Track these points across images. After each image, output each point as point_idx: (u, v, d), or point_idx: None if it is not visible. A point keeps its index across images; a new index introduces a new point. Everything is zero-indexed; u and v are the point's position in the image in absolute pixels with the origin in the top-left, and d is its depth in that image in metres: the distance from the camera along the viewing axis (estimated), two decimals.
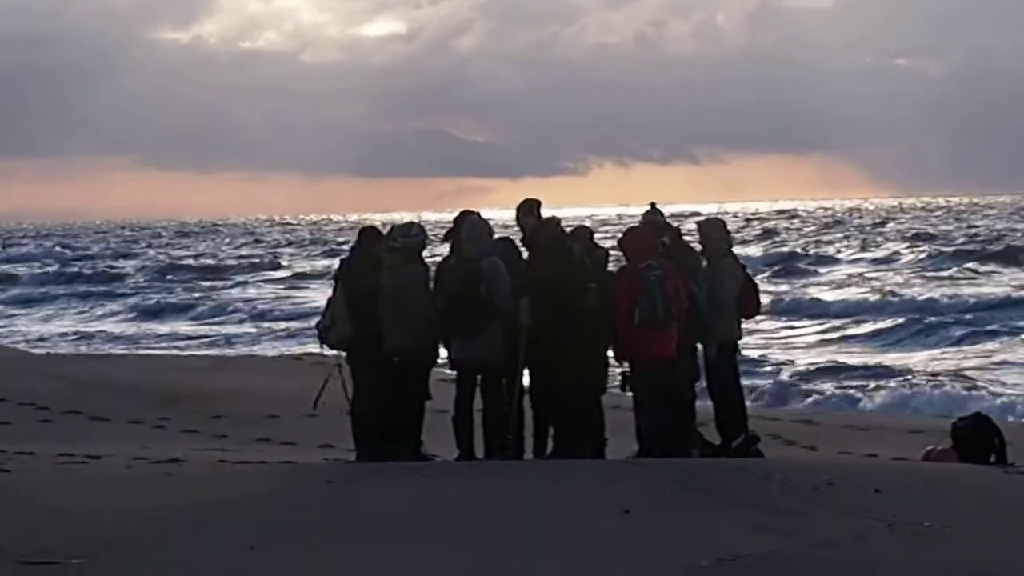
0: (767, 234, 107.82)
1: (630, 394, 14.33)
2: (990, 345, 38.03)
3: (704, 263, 14.89)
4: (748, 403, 16.25)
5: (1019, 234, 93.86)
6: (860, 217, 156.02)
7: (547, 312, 13.92)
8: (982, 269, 65.64)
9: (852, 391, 29.18)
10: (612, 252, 15.16)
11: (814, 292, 55.53)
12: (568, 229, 14.83)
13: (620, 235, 14.88)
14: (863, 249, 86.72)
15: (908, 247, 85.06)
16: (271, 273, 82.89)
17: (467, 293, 14.05)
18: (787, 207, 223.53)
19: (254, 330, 50.03)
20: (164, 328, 52.03)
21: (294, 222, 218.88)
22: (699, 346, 14.74)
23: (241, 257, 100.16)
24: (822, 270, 70.40)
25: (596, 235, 15.28)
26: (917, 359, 36.37)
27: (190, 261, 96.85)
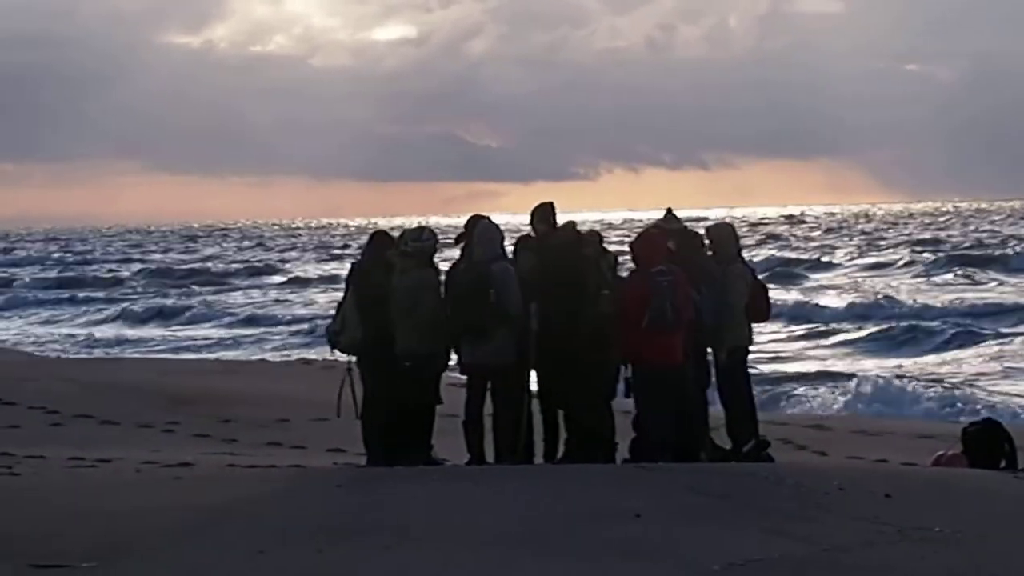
0: (769, 239, 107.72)
1: (630, 399, 14.31)
2: (972, 351, 37.74)
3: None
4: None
5: (1013, 240, 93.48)
6: (868, 221, 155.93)
7: (559, 316, 13.93)
8: (978, 275, 65.35)
9: (822, 395, 28.95)
10: (620, 256, 15.14)
11: (805, 297, 55.41)
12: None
13: (632, 239, 14.86)
14: (861, 255, 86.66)
15: (908, 252, 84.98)
16: (268, 278, 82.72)
17: (477, 297, 14.05)
18: (794, 212, 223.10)
19: (238, 334, 49.69)
20: (148, 333, 51.64)
21: (300, 227, 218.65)
22: (709, 351, 14.74)
23: (240, 262, 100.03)
24: (816, 275, 70.29)
25: (603, 240, 15.26)
26: (893, 364, 36.14)
27: (188, 266, 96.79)
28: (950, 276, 66.10)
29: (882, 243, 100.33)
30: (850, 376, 31.50)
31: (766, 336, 41.00)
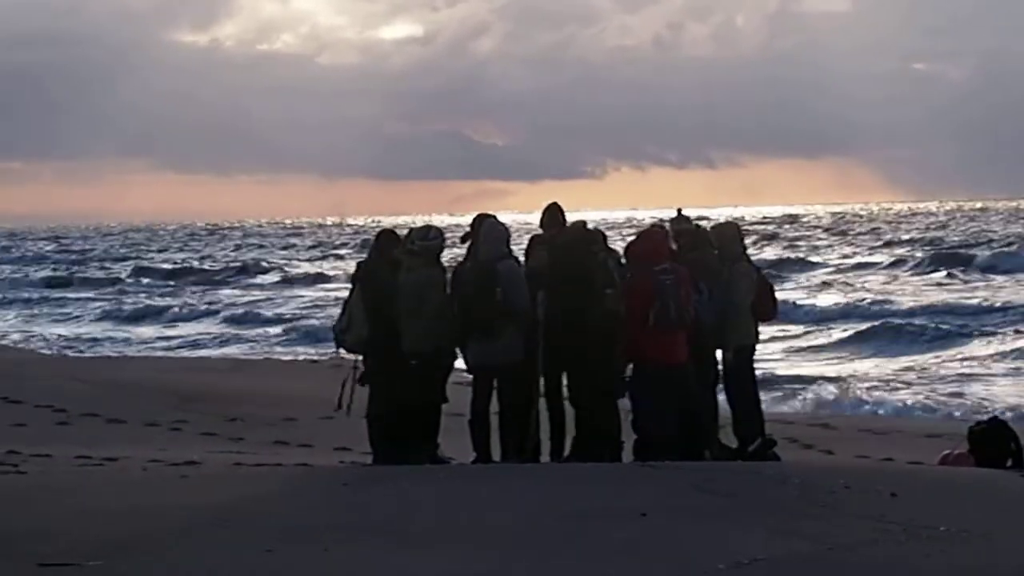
0: (764, 239, 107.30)
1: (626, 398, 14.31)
2: (948, 351, 37.43)
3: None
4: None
5: (1009, 239, 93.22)
6: (869, 220, 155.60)
7: (566, 313, 13.94)
8: (964, 275, 64.97)
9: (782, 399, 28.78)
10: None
11: (782, 296, 54.84)
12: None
13: (632, 239, 14.87)
14: (849, 254, 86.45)
15: (900, 251, 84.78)
16: (259, 278, 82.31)
17: (484, 296, 14.06)
18: (798, 211, 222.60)
19: (219, 332, 49.39)
20: (130, 332, 51.09)
21: (304, 225, 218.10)
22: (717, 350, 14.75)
23: (235, 261, 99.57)
24: (799, 275, 69.94)
25: (607, 239, 15.25)
26: (866, 366, 35.91)
27: (182, 265, 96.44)
28: (935, 275, 65.83)
29: (876, 242, 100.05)
30: (813, 379, 31.28)
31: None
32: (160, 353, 42.67)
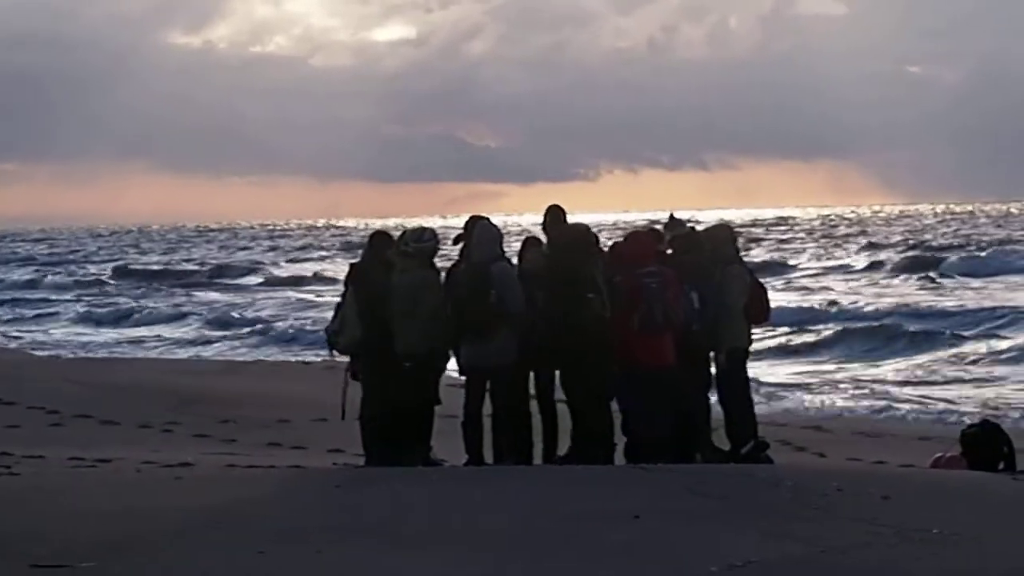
0: (751, 241, 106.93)
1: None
2: (919, 359, 37.14)
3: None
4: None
5: (984, 242, 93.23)
6: (857, 223, 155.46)
7: (555, 315, 13.97)
8: (939, 279, 64.70)
9: None
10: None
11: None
12: None
13: (618, 241, 14.89)
14: (824, 257, 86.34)
15: (875, 254, 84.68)
16: (240, 279, 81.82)
17: (477, 298, 14.08)
18: (789, 214, 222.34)
19: (194, 334, 48.93)
20: (102, 335, 50.42)
21: (294, 228, 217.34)
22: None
23: (218, 263, 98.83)
24: (771, 279, 69.55)
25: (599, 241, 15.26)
26: (820, 369, 35.75)
27: (165, 267, 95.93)
28: (905, 278, 65.72)
29: (853, 245, 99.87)
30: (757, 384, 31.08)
31: None
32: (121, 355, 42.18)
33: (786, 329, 40.61)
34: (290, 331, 45.90)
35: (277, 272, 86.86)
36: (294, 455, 17.75)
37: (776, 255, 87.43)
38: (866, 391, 29.64)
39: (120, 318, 55.26)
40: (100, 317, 55.85)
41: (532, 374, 14.39)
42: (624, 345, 13.92)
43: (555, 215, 14.89)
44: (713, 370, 14.90)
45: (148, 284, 77.93)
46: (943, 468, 15.09)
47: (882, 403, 27.43)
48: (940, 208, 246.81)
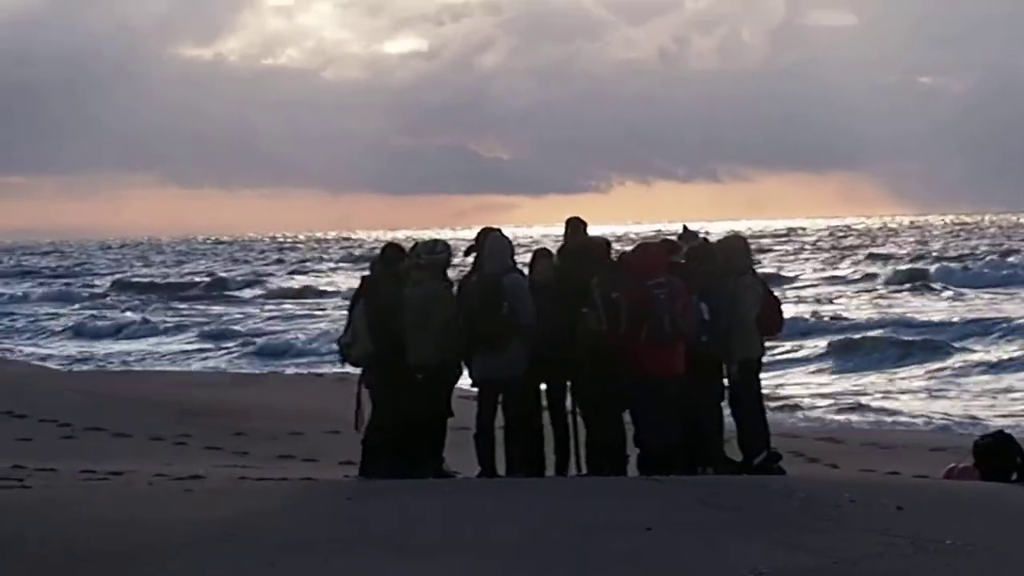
0: (759, 252, 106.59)
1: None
2: (903, 371, 36.93)
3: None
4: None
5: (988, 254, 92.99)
6: (865, 234, 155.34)
7: (561, 327, 13.99)
8: (932, 289, 64.47)
9: None
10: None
11: None
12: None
13: (627, 252, 14.87)
14: (823, 268, 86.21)
15: (874, 266, 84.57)
16: (239, 292, 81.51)
17: (489, 310, 14.07)
18: (800, 225, 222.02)
19: (187, 348, 48.66)
20: (98, 348, 49.96)
21: (302, 240, 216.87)
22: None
23: (221, 275, 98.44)
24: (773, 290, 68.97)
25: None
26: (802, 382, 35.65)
27: (167, 280, 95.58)
28: (894, 290, 65.62)
29: (855, 256, 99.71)
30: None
31: None
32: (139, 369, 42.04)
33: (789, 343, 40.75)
34: (281, 344, 45.84)
35: (278, 284, 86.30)
36: (306, 467, 17.75)
37: (776, 267, 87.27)
38: (852, 403, 29.74)
39: (114, 332, 54.76)
40: (93, 331, 55.17)
41: (544, 386, 14.39)
42: (633, 355, 13.91)
43: (574, 227, 14.88)
44: (725, 381, 14.88)
45: (146, 297, 77.58)
46: (956, 479, 15.05)
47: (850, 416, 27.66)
48: (949, 219, 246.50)
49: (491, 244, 14.42)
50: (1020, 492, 13.87)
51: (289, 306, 65.10)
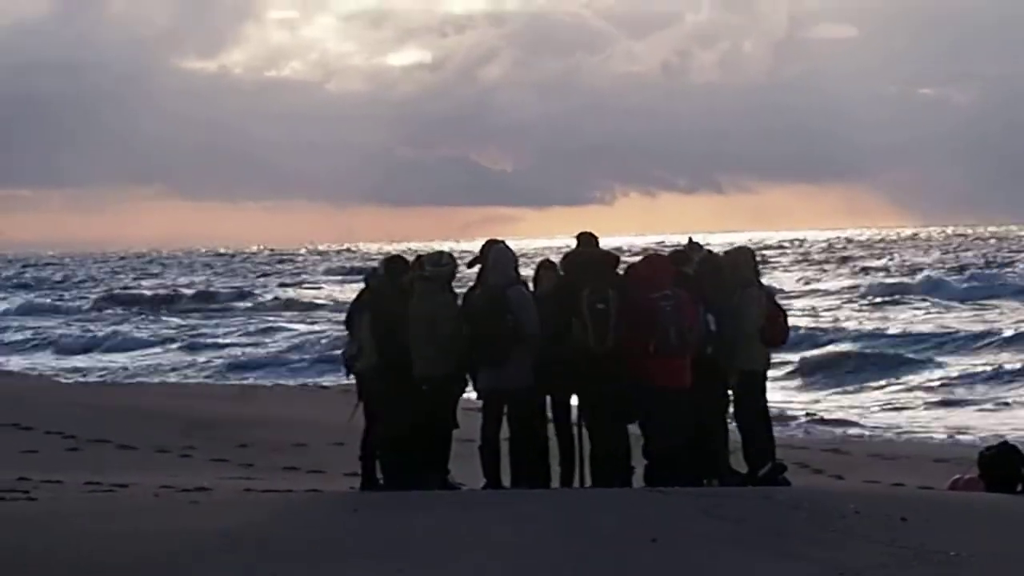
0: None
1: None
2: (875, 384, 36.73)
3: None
4: None
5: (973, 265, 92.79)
6: (862, 246, 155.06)
7: (558, 335, 14.02)
8: (915, 302, 64.14)
9: None
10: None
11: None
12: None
13: (634, 263, 14.88)
14: (812, 280, 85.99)
15: (860, 278, 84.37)
16: (233, 304, 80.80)
17: (493, 322, 14.08)
18: (801, 236, 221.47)
19: (168, 360, 48.24)
20: (72, 362, 49.58)
21: (301, 252, 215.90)
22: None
23: (211, 287, 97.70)
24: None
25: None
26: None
27: (154, 292, 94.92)
28: (871, 300, 65.47)
29: (844, 268, 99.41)
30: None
31: None
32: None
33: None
34: (260, 357, 45.47)
35: (266, 296, 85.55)
36: (311, 479, 17.75)
37: (765, 279, 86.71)
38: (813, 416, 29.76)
39: (91, 346, 54.20)
40: (67, 345, 54.55)
41: (549, 398, 14.39)
42: (640, 366, 13.92)
43: (585, 242, 14.88)
44: (730, 392, 14.88)
45: (128, 310, 76.85)
46: (961, 490, 15.05)
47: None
48: (951, 230, 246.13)
49: (495, 256, 14.43)
50: None
51: (275, 319, 64.44)
